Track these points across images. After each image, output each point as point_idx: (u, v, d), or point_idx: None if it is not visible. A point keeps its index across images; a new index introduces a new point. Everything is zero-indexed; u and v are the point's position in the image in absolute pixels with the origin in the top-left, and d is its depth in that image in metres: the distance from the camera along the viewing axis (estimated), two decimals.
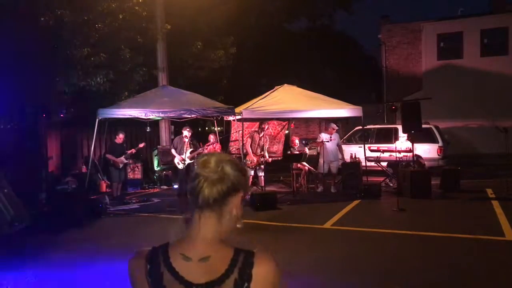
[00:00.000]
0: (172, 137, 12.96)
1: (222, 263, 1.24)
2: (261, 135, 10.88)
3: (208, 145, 11.45)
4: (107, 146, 11.49)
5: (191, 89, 11.92)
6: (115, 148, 10.58)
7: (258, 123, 11.45)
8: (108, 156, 10.50)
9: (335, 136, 11.10)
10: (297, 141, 11.63)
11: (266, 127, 11.13)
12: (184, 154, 10.10)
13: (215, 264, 1.24)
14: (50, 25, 9.33)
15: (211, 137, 11.59)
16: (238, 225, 1.35)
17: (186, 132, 10.19)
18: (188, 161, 10.15)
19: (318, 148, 11.35)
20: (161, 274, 1.24)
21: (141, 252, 1.31)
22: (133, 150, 10.85)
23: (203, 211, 1.28)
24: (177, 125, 12.51)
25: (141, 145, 10.88)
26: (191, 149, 10.24)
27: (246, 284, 1.22)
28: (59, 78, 10.01)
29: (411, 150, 10.85)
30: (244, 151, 11.16)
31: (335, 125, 11.27)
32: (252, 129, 12.27)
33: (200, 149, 10.53)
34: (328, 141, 10.88)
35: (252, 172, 10.86)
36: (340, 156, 11.40)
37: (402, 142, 11.16)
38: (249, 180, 10.83)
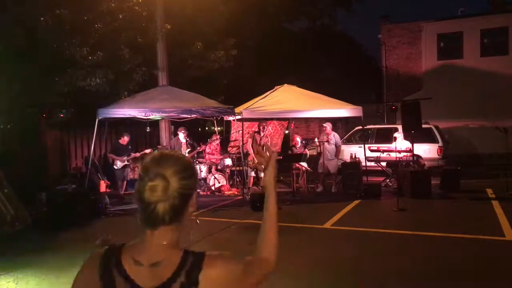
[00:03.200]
0: (172, 137, 12.96)
1: (171, 267, 1.22)
2: (261, 135, 10.89)
3: (208, 145, 11.48)
4: (111, 145, 11.53)
5: (191, 89, 11.91)
6: (119, 148, 10.63)
7: (258, 123, 11.46)
8: (110, 155, 10.58)
9: (332, 136, 11.06)
10: (299, 140, 11.60)
11: (266, 127, 11.12)
12: None
13: (164, 269, 1.22)
14: (49, 25, 9.32)
15: (214, 137, 11.69)
16: (197, 222, 1.36)
17: (181, 134, 10.21)
18: None
19: (319, 148, 11.35)
20: (113, 277, 1.24)
21: (96, 253, 1.31)
22: (138, 154, 10.93)
23: (157, 228, 1.25)
24: (177, 125, 12.49)
25: (147, 151, 10.95)
26: (189, 149, 10.25)
27: None
28: (58, 78, 10.00)
29: (410, 150, 10.85)
30: (245, 151, 11.16)
31: (328, 125, 11.20)
32: (253, 129, 12.29)
33: (198, 148, 10.56)
34: (325, 142, 10.86)
35: (253, 173, 10.87)
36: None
37: (399, 141, 11.13)
38: (250, 181, 10.88)
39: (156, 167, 1.25)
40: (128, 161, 10.68)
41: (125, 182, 10.71)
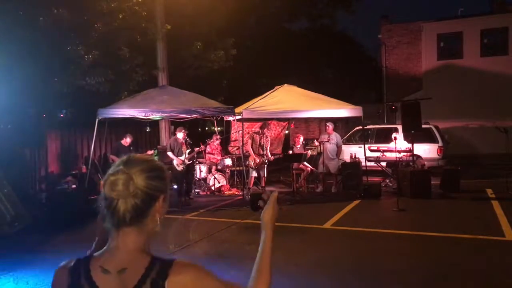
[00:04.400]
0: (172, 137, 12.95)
1: (137, 275, 1.20)
2: (261, 135, 10.89)
3: (207, 145, 11.47)
4: (113, 146, 11.48)
5: (191, 89, 11.92)
6: (121, 150, 10.55)
7: (260, 123, 11.46)
8: (112, 157, 10.44)
9: (333, 136, 11.07)
10: (301, 140, 11.55)
11: (266, 129, 11.11)
12: (183, 155, 10.10)
13: (130, 276, 1.20)
14: (49, 25, 9.33)
15: (215, 137, 11.68)
16: (156, 229, 1.28)
17: (181, 134, 10.18)
18: (187, 162, 10.15)
19: (319, 148, 11.35)
20: (81, 287, 1.22)
21: (66, 263, 1.28)
22: None
23: (120, 228, 1.23)
24: (177, 125, 12.50)
25: (149, 152, 10.96)
26: (189, 150, 10.24)
27: None
28: (57, 78, 10.00)
29: (410, 150, 10.85)
30: (245, 152, 11.16)
31: (330, 124, 11.21)
32: (253, 129, 12.28)
33: (197, 148, 10.55)
34: (326, 141, 10.86)
35: (255, 173, 10.87)
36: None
37: (398, 142, 11.13)
38: (251, 181, 10.89)
39: (123, 165, 1.24)
40: None
41: None
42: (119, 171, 1.22)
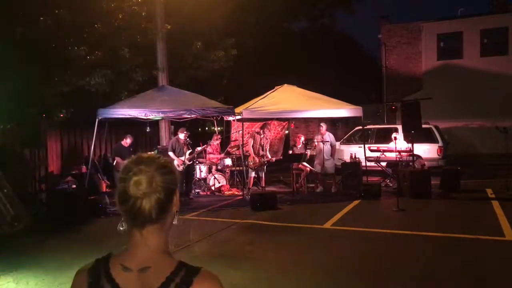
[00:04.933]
0: (172, 136, 12.96)
1: (160, 276, 1.20)
2: (262, 136, 10.89)
3: (208, 145, 11.48)
4: (113, 148, 11.45)
5: (191, 89, 11.91)
6: (121, 150, 10.52)
7: (260, 123, 11.46)
8: (117, 159, 10.36)
9: (327, 136, 11.02)
10: (301, 140, 11.52)
11: (267, 129, 11.11)
12: (184, 156, 10.11)
13: (152, 276, 1.20)
14: (49, 25, 9.32)
15: (215, 137, 11.69)
16: (174, 222, 1.31)
17: (182, 135, 10.19)
18: (187, 162, 10.15)
19: (315, 148, 11.33)
20: (101, 286, 1.22)
21: (84, 266, 1.29)
22: None
23: (144, 227, 1.24)
24: (177, 125, 12.50)
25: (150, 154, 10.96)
26: (190, 150, 10.25)
27: None
28: (58, 78, 10.00)
29: (410, 150, 10.85)
30: (245, 152, 11.16)
31: (323, 125, 11.17)
32: (253, 129, 12.28)
33: (199, 148, 10.56)
34: (320, 142, 10.84)
35: (253, 173, 10.87)
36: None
37: (397, 141, 11.13)
38: (251, 181, 10.89)
39: (137, 165, 1.26)
40: None
41: None
42: (141, 170, 1.24)
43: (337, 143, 12.40)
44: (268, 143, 11.27)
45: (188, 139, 10.24)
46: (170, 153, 10.22)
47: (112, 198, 10.20)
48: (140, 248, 1.24)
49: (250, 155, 10.93)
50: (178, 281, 1.19)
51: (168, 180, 1.26)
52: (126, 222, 1.27)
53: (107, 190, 11.37)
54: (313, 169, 11.06)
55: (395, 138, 11.12)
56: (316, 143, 11.01)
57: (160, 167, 1.26)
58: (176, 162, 10.09)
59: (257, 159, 10.73)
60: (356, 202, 9.60)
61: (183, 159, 10.13)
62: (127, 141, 10.61)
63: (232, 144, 13.03)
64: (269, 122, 12.40)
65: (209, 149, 11.78)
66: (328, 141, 10.91)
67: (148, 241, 1.24)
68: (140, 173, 1.23)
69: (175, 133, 12.04)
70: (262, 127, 11.11)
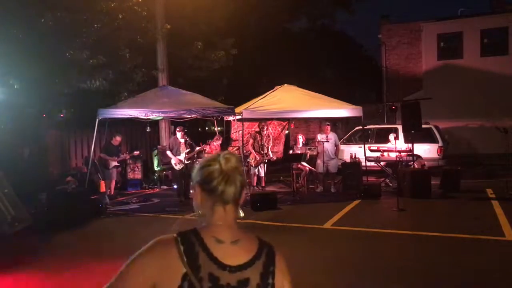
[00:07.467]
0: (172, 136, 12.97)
1: (251, 247, 1.38)
2: (264, 132, 10.88)
3: (209, 144, 11.48)
4: (102, 146, 11.50)
5: (191, 89, 11.91)
6: (110, 149, 10.64)
7: (258, 123, 11.46)
8: (103, 155, 10.58)
9: (331, 135, 11.07)
10: (301, 140, 11.55)
11: (266, 127, 11.12)
12: (180, 155, 10.11)
13: (244, 248, 1.37)
14: (49, 26, 9.31)
15: (216, 137, 11.69)
16: (241, 214, 1.47)
17: (179, 134, 10.23)
18: (185, 161, 10.15)
19: (318, 148, 11.35)
20: (197, 253, 1.30)
21: (166, 236, 1.36)
22: (127, 157, 11.08)
23: (227, 204, 1.39)
24: (177, 125, 12.51)
25: (136, 153, 11.18)
26: (188, 150, 10.25)
27: (271, 268, 1.39)
28: (58, 79, 10.00)
29: (410, 150, 10.85)
30: (246, 151, 11.16)
31: (327, 124, 11.22)
32: (253, 129, 12.28)
33: (198, 148, 10.55)
34: (325, 141, 10.86)
35: (256, 170, 10.88)
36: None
37: (396, 141, 11.14)
38: (254, 179, 10.89)
39: (224, 153, 1.43)
40: (118, 162, 10.75)
41: (113, 183, 10.74)
42: (230, 154, 1.42)
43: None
44: (271, 140, 11.30)
45: (188, 139, 10.24)
46: (168, 152, 10.25)
47: (110, 198, 10.20)
48: (225, 225, 1.39)
49: (251, 153, 10.95)
50: (267, 251, 1.40)
51: (243, 172, 1.44)
52: (210, 202, 1.39)
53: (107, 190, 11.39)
54: (313, 169, 11.07)
55: (395, 138, 11.14)
56: (320, 142, 10.98)
57: (239, 159, 1.45)
58: (173, 161, 10.12)
59: (258, 157, 10.75)
60: (356, 202, 9.61)
61: (181, 158, 10.14)
62: (116, 139, 10.70)
63: (233, 144, 13.03)
64: (268, 122, 12.39)
65: (208, 149, 11.77)
66: (332, 139, 10.95)
67: (228, 216, 1.40)
68: (230, 155, 1.41)
69: (175, 133, 12.06)
70: (259, 126, 11.10)
